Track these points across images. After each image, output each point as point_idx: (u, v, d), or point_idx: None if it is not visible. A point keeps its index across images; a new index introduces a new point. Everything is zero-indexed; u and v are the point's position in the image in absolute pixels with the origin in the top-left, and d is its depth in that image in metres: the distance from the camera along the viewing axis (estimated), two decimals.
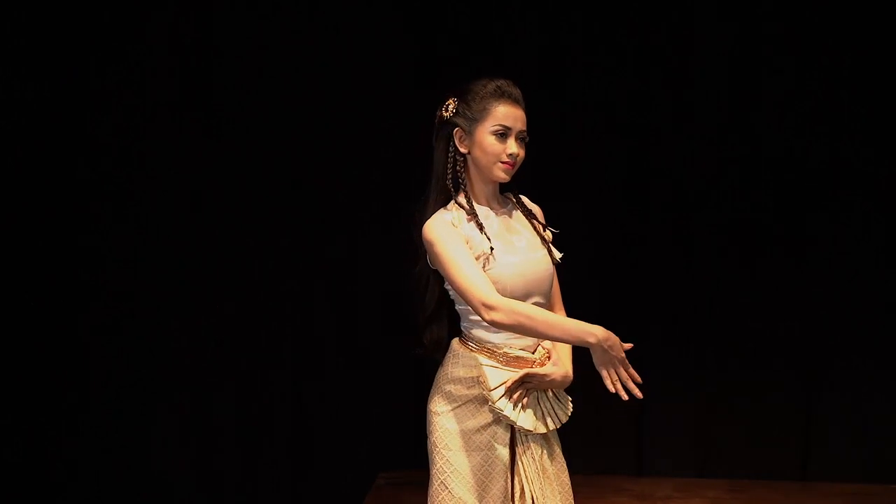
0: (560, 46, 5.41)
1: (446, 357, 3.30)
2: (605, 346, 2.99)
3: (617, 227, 5.46)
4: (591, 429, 5.37)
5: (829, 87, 5.37)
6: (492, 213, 3.26)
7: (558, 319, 3.09)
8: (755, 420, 5.51)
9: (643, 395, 3.03)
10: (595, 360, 3.03)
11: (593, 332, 3.00)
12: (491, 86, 3.22)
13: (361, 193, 5.43)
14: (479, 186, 3.27)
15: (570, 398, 3.33)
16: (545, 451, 3.25)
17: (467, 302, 3.11)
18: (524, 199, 3.40)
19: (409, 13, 5.40)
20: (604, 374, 3.02)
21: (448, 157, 3.25)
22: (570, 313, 3.37)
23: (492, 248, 3.16)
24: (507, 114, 3.20)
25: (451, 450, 3.20)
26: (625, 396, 3.02)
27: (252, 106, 5.40)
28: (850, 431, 5.44)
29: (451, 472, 3.18)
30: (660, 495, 5.22)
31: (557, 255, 3.32)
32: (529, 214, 3.36)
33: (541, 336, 3.13)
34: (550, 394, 3.27)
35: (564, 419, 3.29)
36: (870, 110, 5.37)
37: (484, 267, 3.15)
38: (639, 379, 3.03)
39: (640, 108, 5.42)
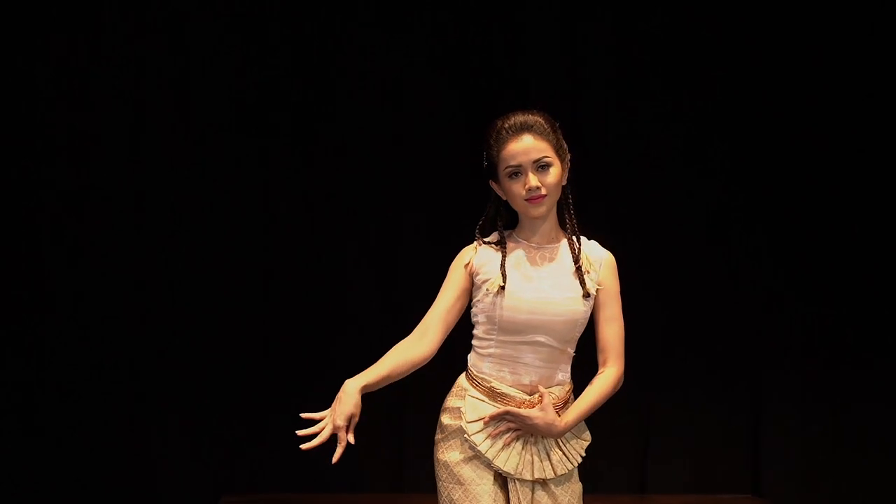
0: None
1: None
2: (339, 395, 3.00)
3: None
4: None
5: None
6: (528, 247, 3.21)
7: (376, 366, 3.08)
8: (595, 436, 5.62)
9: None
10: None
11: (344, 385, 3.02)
12: (494, 130, 3.18)
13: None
14: (525, 223, 3.21)
15: (582, 451, 3.26)
16: (544, 501, 3.17)
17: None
18: (593, 243, 3.26)
19: None
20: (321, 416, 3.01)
21: (490, 204, 3.25)
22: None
23: (504, 276, 3.13)
24: (513, 152, 3.12)
25: (441, 480, 3.18)
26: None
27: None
28: (683, 446, 5.60)
29: (446, 501, 3.16)
30: None
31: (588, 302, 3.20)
32: (576, 260, 3.20)
33: None
34: (551, 442, 3.18)
35: (562, 471, 3.18)
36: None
37: (486, 293, 3.14)
38: (343, 442, 2.99)
39: None
